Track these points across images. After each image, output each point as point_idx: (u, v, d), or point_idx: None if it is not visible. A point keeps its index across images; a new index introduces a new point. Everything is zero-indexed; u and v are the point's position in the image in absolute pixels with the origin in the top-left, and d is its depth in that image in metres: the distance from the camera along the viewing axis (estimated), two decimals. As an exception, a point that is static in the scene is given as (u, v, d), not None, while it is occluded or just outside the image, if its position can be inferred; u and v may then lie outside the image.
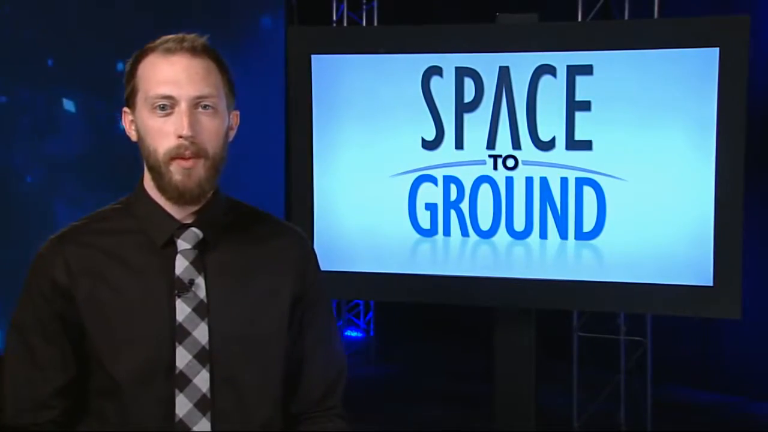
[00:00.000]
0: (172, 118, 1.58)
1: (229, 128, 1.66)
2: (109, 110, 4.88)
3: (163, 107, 1.58)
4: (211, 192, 1.65)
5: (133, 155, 1.75)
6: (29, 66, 4.84)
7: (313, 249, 1.80)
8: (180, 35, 1.61)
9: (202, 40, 1.62)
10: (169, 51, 1.59)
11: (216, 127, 1.61)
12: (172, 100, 1.57)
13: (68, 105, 5.01)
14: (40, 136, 4.94)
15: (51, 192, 4.95)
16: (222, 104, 1.63)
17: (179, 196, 1.60)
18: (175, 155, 1.57)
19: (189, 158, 1.57)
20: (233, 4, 5.83)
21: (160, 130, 1.58)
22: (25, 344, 1.62)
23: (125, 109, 1.66)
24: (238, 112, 1.69)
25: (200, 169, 1.59)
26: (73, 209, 4.72)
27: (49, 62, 4.90)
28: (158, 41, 1.61)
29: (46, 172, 4.95)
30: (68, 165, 5.00)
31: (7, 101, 4.84)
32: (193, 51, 1.60)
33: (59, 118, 5.01)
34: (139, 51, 1.63)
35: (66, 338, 1.61)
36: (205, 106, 1.59)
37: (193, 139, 1.57)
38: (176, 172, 1.58)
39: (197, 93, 1.58)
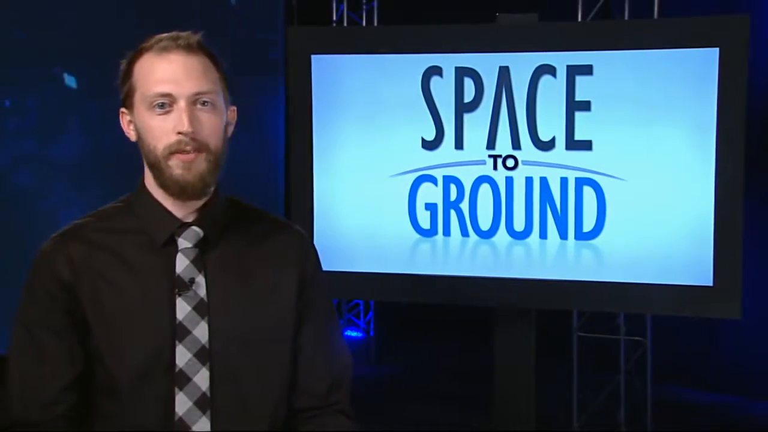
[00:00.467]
0: (172, 116, 1.58)
1: (228, 124, 1.67)
2: (106, 111, 4.88)
3: (161, 105, 1.58)
4: (213, 187, 1.65)
5: (130, 156, 1.76)
6: (30, 70, 4.85)
7: (313, 245, 1.80)
8: (174, 33, 1.62)
9: (197, 37, 1.63)
10: (165, 49, 1.59)
11: (215, 123, 1.62)
12: (171, 98, 1.58)
13: (64, 107, 5.01)
14: (40, 137, 4.94)
15: (49, 194, 4.95)
16: (220, 100, 1.63)
17: (181, 191, 1.60)
18: (176, 150, 1.58)
19: (189, 153, 1.58)
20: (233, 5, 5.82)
21: (159, 128, 1.58)
22: (33, 340, 1.61)
23: (122, 109, 1.66)
24: (235, 108, 1.70)
25: (201, 162, 1.59)
26: (71, 210, 4.72)
27: (55, 70, 4.92)
28: (152, 40, 1.61)
29: (45, 174, 4.95)
30: (67, 166, 5.00)
31: (10, 105, 4.85)
32: (189, 48, 1.60)
33: (58, 119, 5.01)
34: (133, 51, 1.63)
35: (74, 333, 1.61)
36: (203, 103, 1.60)
37: (193, 135, 1.57)
38: (176, 166, 1.58)
39: (195, 89, 1.59)
